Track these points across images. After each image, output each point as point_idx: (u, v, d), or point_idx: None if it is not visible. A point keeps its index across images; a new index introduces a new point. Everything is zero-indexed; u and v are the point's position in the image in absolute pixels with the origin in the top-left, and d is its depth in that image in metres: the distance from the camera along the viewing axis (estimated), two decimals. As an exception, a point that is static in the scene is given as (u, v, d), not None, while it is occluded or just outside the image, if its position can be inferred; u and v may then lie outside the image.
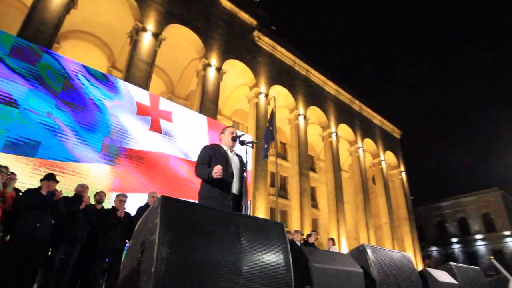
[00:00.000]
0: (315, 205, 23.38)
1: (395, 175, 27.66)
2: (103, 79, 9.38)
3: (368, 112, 26.62)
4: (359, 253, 3.25)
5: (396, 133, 29.53)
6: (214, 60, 15.81)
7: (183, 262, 1.51)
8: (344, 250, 17.65)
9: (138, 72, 12.69)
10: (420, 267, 22.12)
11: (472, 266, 4.91)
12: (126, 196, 5.42)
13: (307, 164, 19.81)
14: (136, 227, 1.96)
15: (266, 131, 12.09)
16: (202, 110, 14.12)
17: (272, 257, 1.93)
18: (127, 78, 11.89)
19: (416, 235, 26.21)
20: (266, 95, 18.21)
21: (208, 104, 14.82)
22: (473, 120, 78.84)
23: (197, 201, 2.96)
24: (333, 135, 22.10)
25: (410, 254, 3.47)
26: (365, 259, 3.15)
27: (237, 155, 3.34)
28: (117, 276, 4.30)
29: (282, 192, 21.28)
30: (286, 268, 1.95)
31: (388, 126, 28.69)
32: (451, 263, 4.48)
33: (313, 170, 24.67)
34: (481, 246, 32.00)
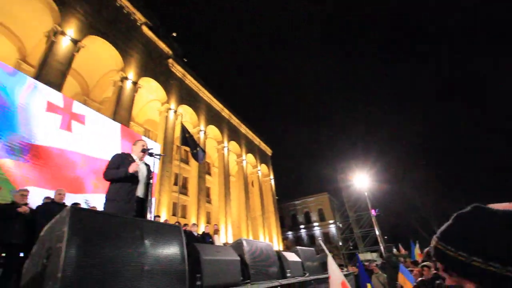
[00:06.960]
0: (209, 201, 25.87)
1: (267, 181, 33.29)
2: (13, 74, 8.16)
3: (251, 135, 31.40)
4: (237, 245, 3.60)
5: (268, 151, 35.80)
6: (131, 74, 15.86)
7: (90, 266, 1.44)
8: (230, 235, 20.75)
9: (52, 71, 11.47)
10: (281, 245, 28.94)
11: (310, 248, 5.90)
12: (27, 191, 4.73)
13: (204, 169, 20.79)
14: (42, 232, 1.82)
15: (188, 139, 11.41)
16: (116, 116, 13.64)
17: (170, 254, 1.98)
18: (39, 75, 10.62)
19: (279, 224, 32.63)
20: (175, 111, 18.98)
21: (122, 112, 14.43)
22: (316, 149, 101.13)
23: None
24: (225, 149, 25.27)
25: (271, 244, 4.21)
26: (242, 249, 3.49)
27: (145, 164, 3.29)
28: (15, 272, 4.05)
29: (184, 190, 21.80)
30: (182, 262, 2.04)
31: (263, 146, 34.36)
32: (298, 247, 5.31)
33: (209, 173, 26.68)
34: (317, 230, 43.09)
